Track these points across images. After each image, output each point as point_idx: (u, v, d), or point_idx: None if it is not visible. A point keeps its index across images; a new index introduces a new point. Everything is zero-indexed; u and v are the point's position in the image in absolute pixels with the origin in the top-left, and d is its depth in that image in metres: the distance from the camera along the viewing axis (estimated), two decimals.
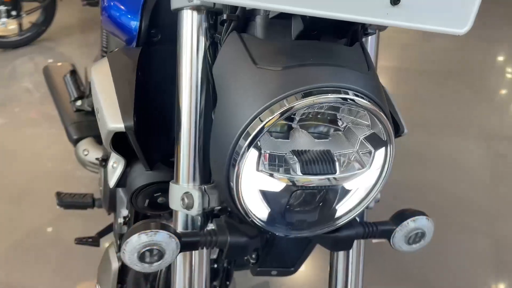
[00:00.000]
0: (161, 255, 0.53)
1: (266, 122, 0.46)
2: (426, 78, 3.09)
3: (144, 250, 0.52)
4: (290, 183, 0.51)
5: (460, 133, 2.47)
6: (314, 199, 0.55)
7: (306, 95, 0.47)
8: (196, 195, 0.56)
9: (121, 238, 1.02)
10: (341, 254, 0.68)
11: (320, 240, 0.62)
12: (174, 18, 0.68)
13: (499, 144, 2.42)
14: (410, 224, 0.63)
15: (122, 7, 0.67)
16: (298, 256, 1.03)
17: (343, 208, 0.57)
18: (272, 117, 0.46)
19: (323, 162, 0.51)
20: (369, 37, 0.64)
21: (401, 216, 0.64)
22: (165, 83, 0.70)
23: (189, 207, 0.57)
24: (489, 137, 2.46)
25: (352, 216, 0.58)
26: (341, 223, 0.59)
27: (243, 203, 0.52)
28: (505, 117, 2.81)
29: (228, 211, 0.63)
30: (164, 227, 0.53)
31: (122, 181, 0.78)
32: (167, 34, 0.69)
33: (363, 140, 0.54)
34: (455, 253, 1.73)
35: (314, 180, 0.51)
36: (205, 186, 0.58)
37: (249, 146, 0.48)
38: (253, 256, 1.02)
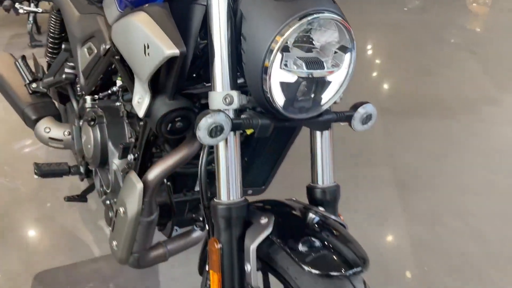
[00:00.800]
0: (222, 131, 0.79)
1: (293, 29, 0.75)
2: None
3: (211, 127, 0.78)
4: (300, 76, 0.81)
5: None
6: (310, 90, 0.86)
7: (309, 14, 0.77)
8: (235, 94, 0.83)
9: (123, 180, 1.21)
10: (318, 134, 0.98)
11: (309, 124, 0.93)
12: None
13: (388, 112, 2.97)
14: (361, 110, 0.95)
15: None
16: (266, 177, 1.32)
17: (326, 97, 0.88)
18: (299, 24, 0.75)
19: (316, 62, 0.82)
20: None
21: (355, 106, 0.96)
22: (180, 29, 0.94)
23: (230, 103, 0.83)
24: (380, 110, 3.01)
25: (330, 103, 0.90)
26: (323, 108, 0.89)
27: (272, 95, 0.80)
28: (384, 92, 3.41)
29: (247, 109, 0.90)
30: (221, 111, 0.79)
31: (148, 112, 0.99)
32: None
33: (336, 50, 0.85)
34: (366, 179, 2.19)
35: (314, 73, 0.82)
36: (235, 91, 0.85)
37: (277, 51, 0.77)
38: None
